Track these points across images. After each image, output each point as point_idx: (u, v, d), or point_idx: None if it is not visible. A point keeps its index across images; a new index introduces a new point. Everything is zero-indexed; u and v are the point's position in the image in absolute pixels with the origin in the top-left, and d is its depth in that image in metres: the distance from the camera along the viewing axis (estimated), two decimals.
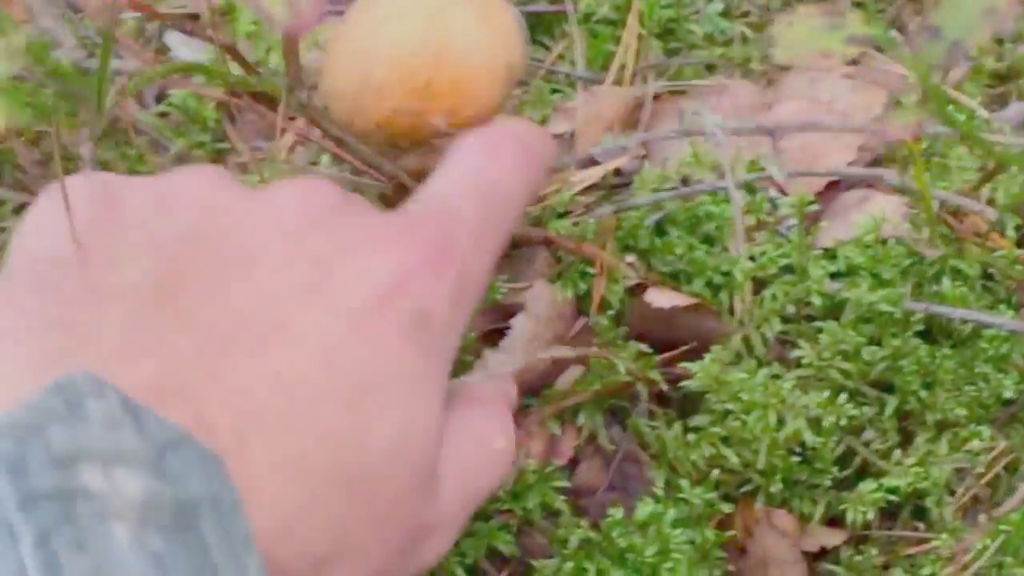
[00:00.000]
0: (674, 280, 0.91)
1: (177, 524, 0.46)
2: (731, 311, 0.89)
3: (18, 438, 0.44)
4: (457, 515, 0.62)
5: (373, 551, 0.55)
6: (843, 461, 0.86)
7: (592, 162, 0.99)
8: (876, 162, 0.99)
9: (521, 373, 0.85)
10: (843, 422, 0.84)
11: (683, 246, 0.92)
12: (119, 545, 0.44)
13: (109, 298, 0.53)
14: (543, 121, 1.00)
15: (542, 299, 0.89)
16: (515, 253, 0.91)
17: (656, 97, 1.01)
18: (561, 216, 0.94)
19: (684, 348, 0.88)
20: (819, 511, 0.86)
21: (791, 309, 0.88)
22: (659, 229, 0.94)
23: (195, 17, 1.09)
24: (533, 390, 0.86)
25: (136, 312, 0.53)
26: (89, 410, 0.46)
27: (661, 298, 0.87)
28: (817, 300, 0.88)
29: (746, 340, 0.88)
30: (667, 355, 0.88)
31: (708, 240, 0.92)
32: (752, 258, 0.90)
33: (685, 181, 0.94)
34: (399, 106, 0.77)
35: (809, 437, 0.83)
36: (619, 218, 0.92)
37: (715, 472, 0.83)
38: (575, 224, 0.92)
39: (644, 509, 0.79)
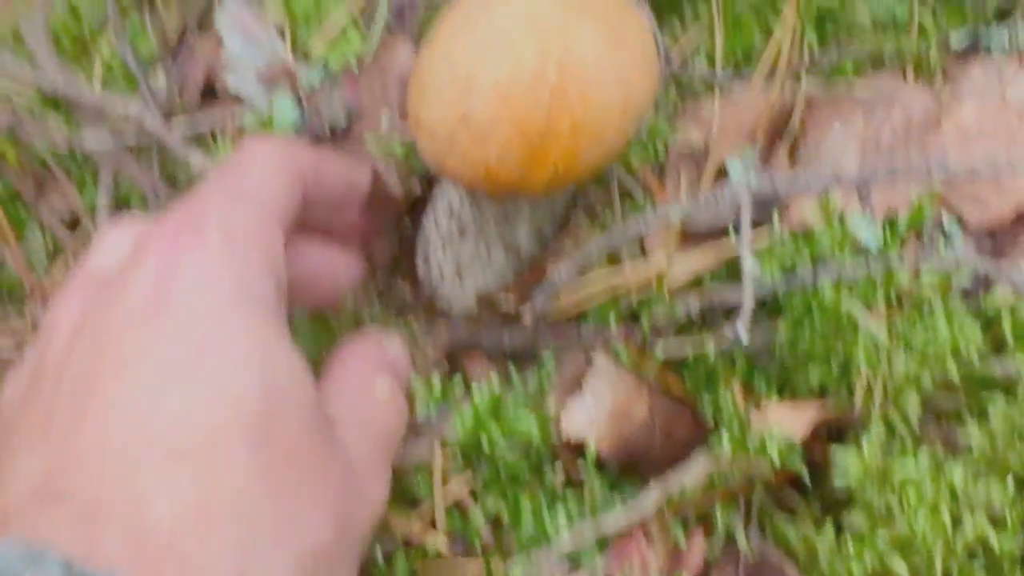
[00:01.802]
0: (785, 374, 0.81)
1: None
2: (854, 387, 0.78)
3: None
4: (375, 464, 0.66)
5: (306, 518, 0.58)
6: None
7: (723, 174, 0.85)
8: None
9: (617, 428, 0.76)
10: None
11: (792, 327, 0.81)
12: None
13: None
14: (670, 127, 0.85)
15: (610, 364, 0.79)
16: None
17: (808, 99, 0.86)
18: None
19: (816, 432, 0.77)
20: None
21: (927, 379, 0.77)
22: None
23: None
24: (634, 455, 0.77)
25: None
26: None
27: (784, 422, 0.76)
28: (953, 369, 0.76)
29: (886, 419, 0.77)
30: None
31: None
32: (891, 329, 0.78)
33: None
34: (506, 151, 0.64)
35: (995, 538, 0.72)
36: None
37: None
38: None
39: None
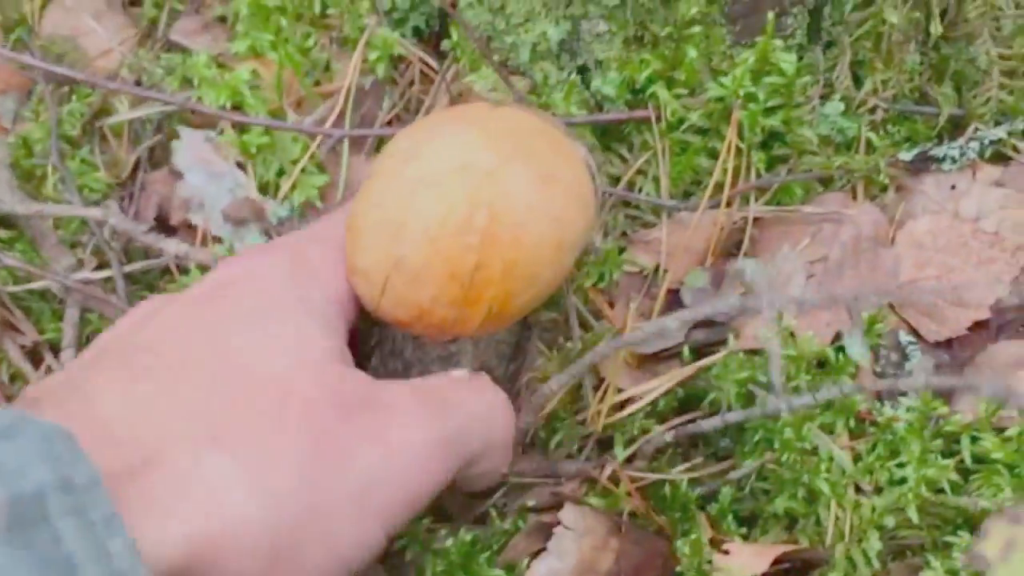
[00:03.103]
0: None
1: (15, 524, 0.47)
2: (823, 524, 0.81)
3: None
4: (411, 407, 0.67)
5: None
6: None
7: (677, 301, 0.88)
8: None
9: None
10: None
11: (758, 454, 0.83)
12: None
13: None
14: (619, 251, 0.87)
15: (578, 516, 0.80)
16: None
17: (757, 221, 0.88)
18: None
19: (781, 566, 0.78)
20: None
21: (891, 522, 0.79)
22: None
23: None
24: None
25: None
26: None
27: (746, 564, 0.77)
28: (914, 516, 0.78)
29: (849, 558, 0.79)
30: None
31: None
32: (857, 459, 0.81)
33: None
34: (439, 294, 0.67)
35: None
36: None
37: None
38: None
39: None
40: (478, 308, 0.67)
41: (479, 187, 0.66)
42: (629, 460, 0.83)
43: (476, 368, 0.78)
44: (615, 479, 0.81)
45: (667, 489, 0.82)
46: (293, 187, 0.94)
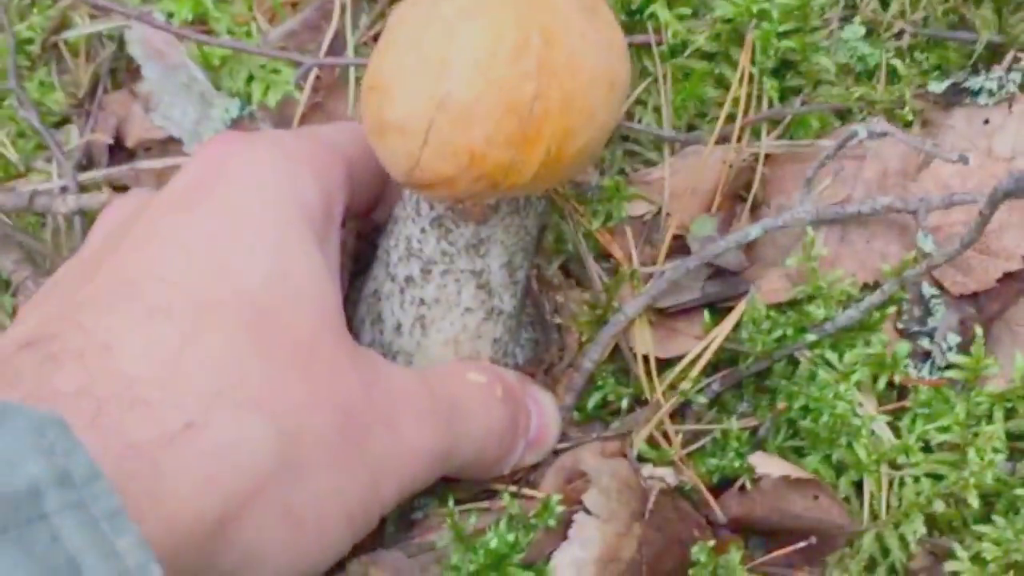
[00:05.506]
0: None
1: (10, 523, 0.45)
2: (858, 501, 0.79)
3: None
4: (416, 406, 0.70)
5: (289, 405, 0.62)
6: None
7: (684, 248, 0.84)
8: None
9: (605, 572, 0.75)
10: None
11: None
12: None
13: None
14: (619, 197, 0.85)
15: (606, 472, 0.79)
16: None
17: (769, 158, 0.85)
18: None
19: (799, 545, 0.77)
20: None
21: (940, 506, 0.76)
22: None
23: None
24: None
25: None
26: None
27: (769, 464, 0.78)
28: (975, 502, 0.75)
29: (880, 540, 0.76)
30: (776, 553, 0.78)
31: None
32: (894, 427, 0.79)
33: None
34: (495, 131, 0.62)
35: None
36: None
37: None
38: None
39: None
40: (536, 148, 0.62)
41: (528, 12, 0.62)
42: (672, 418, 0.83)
43: (503, 262, 0.74)
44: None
45: (718, 438, 0.82)
46: (265, 90, 0.92)
